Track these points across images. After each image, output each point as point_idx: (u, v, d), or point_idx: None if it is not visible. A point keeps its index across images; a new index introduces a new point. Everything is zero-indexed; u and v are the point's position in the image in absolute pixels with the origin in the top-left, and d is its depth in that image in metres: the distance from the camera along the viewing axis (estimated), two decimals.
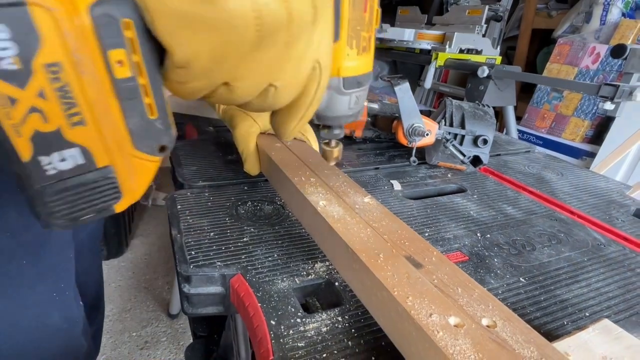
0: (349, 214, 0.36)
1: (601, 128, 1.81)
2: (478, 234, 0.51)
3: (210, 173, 0.61)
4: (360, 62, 0.27)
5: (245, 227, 0.48)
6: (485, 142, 0.63)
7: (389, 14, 2.84)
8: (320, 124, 0.32)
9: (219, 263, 0.40)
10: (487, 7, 1.75)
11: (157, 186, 2.28)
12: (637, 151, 1.46)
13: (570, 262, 0.46)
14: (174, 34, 0.19)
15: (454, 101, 0.65)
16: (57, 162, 0.18)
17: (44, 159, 0.18)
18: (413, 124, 0.60)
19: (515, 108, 1.70)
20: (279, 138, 0.28)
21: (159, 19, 0.18)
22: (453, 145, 0.64)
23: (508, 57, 2.59)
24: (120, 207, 0.22)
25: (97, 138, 0.19)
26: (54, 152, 0.18)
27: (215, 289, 0.40)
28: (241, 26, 0.19)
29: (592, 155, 1.76)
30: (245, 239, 0.45)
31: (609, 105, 1.20)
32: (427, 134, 0.59)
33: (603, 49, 1.71)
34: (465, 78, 2.69)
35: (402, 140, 0.62)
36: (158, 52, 0.20)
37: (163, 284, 1.65)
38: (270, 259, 0.42)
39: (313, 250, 0.44)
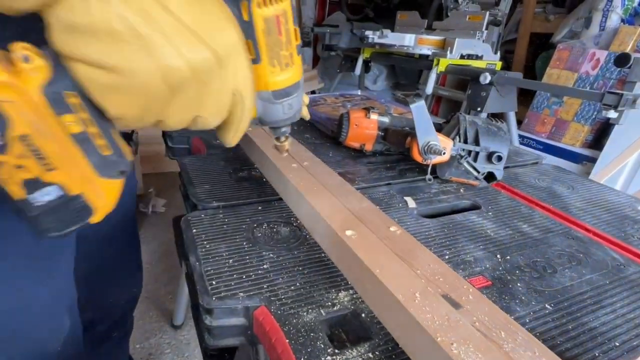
0: (377, 244, 0.35)
1: (601, 133, 1.82)
2: (498, 256, 0.51)
3: (223, 192, 0.60)
4: (285, 76, 0.31)
5: (264, 253, 0.47)
6: (499, 158, 0.62)
7: (388, 19, 2.84)
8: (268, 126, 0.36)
9: (241, 294, 0.39)
10: (487, 12, 1.75)
11: (157, 192, 2.27)
12: (637, 159, 1.47)
13: (592, 285, 0.46)
14: (105, 100, 0.24)
15: (467, 116, 0.65)
16: (42, 196, 0.25)
17: (31, 196, 0.25)
18: (429, 142, 0.59)
19: (515, 113, 1.71)
20: (226, 146, 0.33)
21: (88, 89, 0.24)
22: (467, 162, 0.63)
23: (506, 60, 2.60)
24: (94, 219, 0.29)
25: (66, 176, 0.26)
26: (38, 190, 0.25)
27: (238, 320, 0.39)
28: (152, 87, 0.23)
29: (592, 160, 1.78)
30: (265, 266, 0.44)
31: (612, 114, 1.20)
32: (444, 153, 0.58)
33: (603, 55, 1.72)
34: (463, 81, 2.71)
35: (417, 157, 0.62)
36: None
37: (165, 293, 1.63)
38: (292, 287, 0.41)
39: (335, 277, 0.43)
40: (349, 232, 0.36)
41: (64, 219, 0.27)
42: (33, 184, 0.24)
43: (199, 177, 0.64)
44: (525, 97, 2.08)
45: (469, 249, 0.52)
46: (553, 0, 2.41)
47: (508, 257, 0.50)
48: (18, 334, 0.45)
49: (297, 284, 0.42)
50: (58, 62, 0.23)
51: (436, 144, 0.59)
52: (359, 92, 1.41)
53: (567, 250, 0.53)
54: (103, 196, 0.28)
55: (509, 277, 0.46)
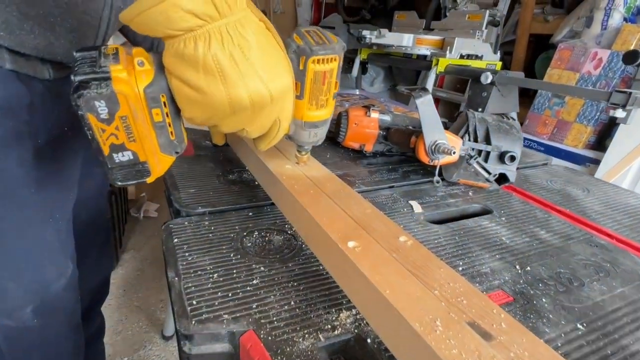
0: (385, 257, 0.30)
1: (603, 134, 1.78)
2: (517, 266, 0.45)
3: (210, 197, 0.54)
4: (318, 113, 0.39)
5: (254, 265, 0.41)
6: (512, 158, 0.57)
7: (385, 19, 2.80)
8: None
9: (226, 316, 0.33)
10: (487, 12, 1.71)
11: (149, 197, 2.20)
12: None
13: (626, 300, 0.41)
14: (184, 106, 0.33)
15: (477, 114, 0.60)
16: (120, 157, 0.34)
17: (114, 154, 0.33)
18: (436, 141, 0.54)
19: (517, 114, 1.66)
20: (258, 149, 0.41)
21: (177, 97, 0.33)
22: (477, 162, 0.58)
23: (504, 62, 2.57)
24: (150, 180, 0.37)
25: (141, 147, 0.34)
26: (119, 152, 0.33)
27: (222, 347, 0.33)
28: (220, 108, 0.32)
29: (596, 162, 1.73)
30: (255, 281, 0.39)
31: (620, 113, 1.16)
32: (454, 152, 0.53)
33: (605, 54, 1.68)
34: (460, 83, 2.67)
35: (424, 157, 0.57)
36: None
37: (156, 301, 1.56)
38: (286, 307, 0.35)
39: (335, 293, 0.38)
40: (351, 244, 0.31)
41: (129, 175, 0.35)
42: (117, 148, 0.33)
43: (184, 181, 0.59)
44: (524, 99, 2.04)
45: (484, 258, 0.46)
46: (552, 1, 2.38)
47: (528, 268, 0.45)
48: (26, 272, 0.51)
49: (292, 303, 0.36)
50: (159, 71, 0.32)
51: (445, 143, 0.54)
52: (357, 92, 1.36)
53: (591, 259, 0.48)
54: (159, 166, 0.36)
55: (532, 292, 0.41)
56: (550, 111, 1.89)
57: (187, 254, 0.42)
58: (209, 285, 0.37)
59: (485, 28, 1.78)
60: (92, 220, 0.71)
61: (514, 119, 0.61)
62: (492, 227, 0.54)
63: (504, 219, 0.57)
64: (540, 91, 1.91)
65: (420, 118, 0.54)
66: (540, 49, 2.36)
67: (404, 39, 1.87)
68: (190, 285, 0.37)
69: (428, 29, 2.00)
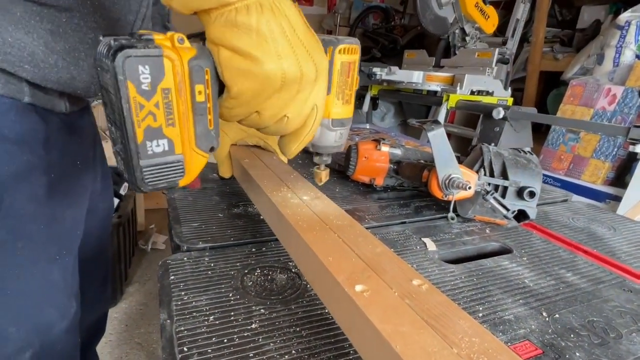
0: (397, 304, 0.26)
1: (622, 170, 1.73)
2: (544, 313, 0.41)
3: (213, 232, 0.52)
4: (343, 110, 0.39)
5: (253, 307, 0.38)
6: (532, 194, 0.54)
7: (395, 58, 2.87)
8: (314, 152, 0.43)
9: None
10: (497, 50, 1.73)
11: (158, 228, 2.19)
12: None
13: None
14: (234, 79, 0.31)
15: (492, 147, 0.58)
16: (154, 147, 0.29)
17: (148, 143, 0.29)
18: (450, 175, 0.51)
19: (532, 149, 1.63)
20: (285, 156, 0.39)
21: (226, 71, 0.31)
22: (494, 198, 0.55)
23: (515, 98, 2.57)
24: (183, 182, 0.32)
25: (178, 135, 0.30)
26: (154, 139, 0.29)
27: None
28: (272, 78, 0.31)
29: (616, 198, 1.67)
30: (253, 325, 0.35)
31: (639, 148, 1.12)
32: (469, 188, 0.50)
33: (619, 90, 1.67)
34: (472, 119, 2.67)
35: (437, 193, 0.54)
36: (219, 89, 0.32)
37: (159, 339, 1.50)
38: (286, 357, 0.32)
39: (341, 341, 0.34)
40: (359, 287, 0.28)
41: (162, 175, 0.30)
42: (153, 133, 0.29)
43: (188, 214, 0.57)
44: (537, 134, 2.02)
45: (507, 303, 0.42)
46: (560, 40, 2.41)
47: (557, 316, 0.41)
48: (29, 313, 0.49)
49: (293, 352, 0.32)
50: (201, 49, 0.30)
51: (459, 177, 0.51)
52: (368, 126, 1.36)
53: (627, 306, 0.43)
54: (193, 164, 0.32)
55: (563, 344, 0.36)
56: (565, 146, 1.86)
57: (182, 293, 0.39)
58: (203, 329, 0.34)
59: (495, 65, 1.79)
60: (94, 257, 0.69)
61: (531, 153, 0.58)
62: (513, 267, 0.50)
63: (525, 259, 0.53)
64: (554, 126, 1.89)
65: (432, 151, 0.52)
66: (551, 86, 2.36)
67: (414, 76, 1.90)
68: (183, 329, 0.34)
69: (438, 67, 2.03)
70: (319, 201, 0.45)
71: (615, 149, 1.67)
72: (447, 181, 0.51)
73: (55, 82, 0.43)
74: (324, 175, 0.45)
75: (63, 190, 0.50)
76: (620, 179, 1.74)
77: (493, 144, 1.63)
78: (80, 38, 0.43)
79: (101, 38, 0.28)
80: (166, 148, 0.30)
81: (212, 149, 0.33)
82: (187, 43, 0.29)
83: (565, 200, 0.81)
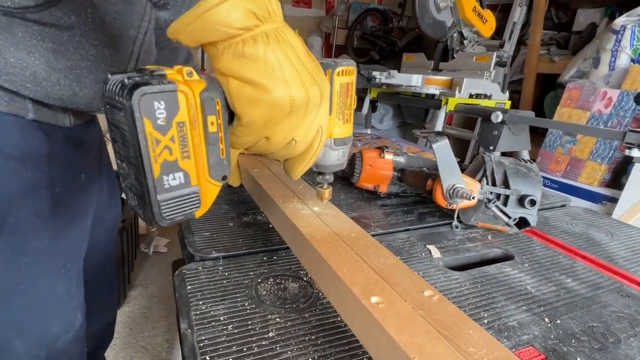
0: (411, 315, 0.28)
1: (618, 172, 1.76)
2: (546, 319, 0.43)
3: (224, 241, 0.54)
4: (344, 129, 0.40)
5: (269, 316, 0.40)
6: (533, 202, 0.56)
7: (393, 60, 2.89)
8: (317, 172, 0.44)
9: None
10: (495, 53, 1.76)
11: (159, 232, 2.20)
12: None
13: None
14: (245, 108, 0.31)
15: (493, 157, 0.60)
16: (171, 180, 0.29)
17: (165, 177, 0.29)
18: (454, 185, 0.53)
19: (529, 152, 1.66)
20: (291, 178, 0.40)
21: (237, 101, 0.31)
22: (496, 206, 0.57)
23: (513, 100, 2.60)
24: (199, 213, 0.33)
25: (194, 167, 0.31)
26: (170, 173, 0.29)
27: None
28: (282, 105, 0.31)
29: (612, 200, 1.70)
30: (270, 334, 0.37)
31: (636, 152, 1.14)
32: (472, 197, 0.52)
33: (615, 94, 1.69)
34: (469, 120, 2.69)
35: (441, 202, 0.56)
36: (229, 118, 0.33)
37: (162, 342, 1.52)
38: None
39: (355, 349, 0.36)
40: (374, 299, 0.29)
41: (179, 207, 0.30)
42: (169, 167, 0.29)
43: (198, 223, 0.58)
44: (534, 136, 2.04)
45: (510, 310, 0.44)
46: (557, 43, 2.44)
47: (558, 322, 0.42)
48: (34, 327, 0.49)
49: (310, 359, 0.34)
50: (210, 80, 0.31)
51: (463, 187, 0.53)
52: (369, 131, 1.38)
53: (625, 311, 0.45)
54: (207, 194, 0.32)
55: (565, 349, 0.38)
56: (562, 149, 1.88)
57: (200, 303, 0.41)
58: (223, 338, 0.36)
59: (493, 69, 1.82)
60: (101, 267, 0.70)
61: (531, 162, 0.60)
62: (515, 274, 0.52)
63: (527, 265, 0.55)
64: (551, 129, 1.92)
65: (437, 162, 0.54)
66: (548, 88, 2.39)
67: (413, 79, 1.91)
68: (203, 338, 0.35)
69: (436, 70, 2.05)
70: (330, 212, 0.47)
71: (612, 151, 1.70)
72: (451, 191, 0.53)
73: (57, 99, 0.43)
74: (327, 193, 0.46)
75: (67, 204, 0.50)
76: (616, 180, 1.76)
77: (491, 147, 1.64)
78: (82, 55, 0.43)
79: (109, 76, 0.29)
80: (182, 181, 0.30)
81: (224, 178, 0.33)
82: (195, 75, 0.30)
83: (564, 205, 0.83)
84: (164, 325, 1.58)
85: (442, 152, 0.53)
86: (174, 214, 0.30)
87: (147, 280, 1.85)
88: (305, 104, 0.32)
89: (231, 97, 0.31)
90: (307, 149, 0.37)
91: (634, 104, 1.57)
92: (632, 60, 1.72)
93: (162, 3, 0.44)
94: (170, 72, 0.29)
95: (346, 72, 0.37)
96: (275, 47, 0.30)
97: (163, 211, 0.29)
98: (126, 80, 0.27)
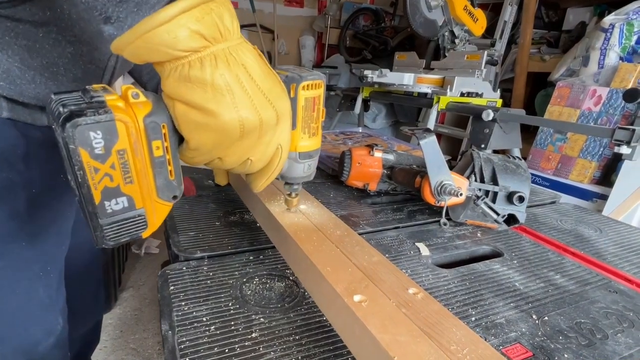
0: (394, 313, 0.28)
1: (608, 169, 1.77)
2: (533, 316, 0.42)
3: (210, 240, 0.53)
4: (310, 142, 0.39)
5: (253, 316, 0.39)
6: (521, 199, 0.56)
7: (386, 59, 2.89)
8: (284, 182, 0.43)
9: None
10: (485, 52, 1.76)
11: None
12: None
13: None
14: (191, 133, 0.31)
15: (482, 153, 0.59)
16: (113, 205, 0.29)
17: (107, 203, 0.28)
18: (442, 182, 0.53)
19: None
20: (253, 190, 0.39)
21: (183, 125, 0.30)
22: (485, 203, 0.56)
23: (504, 98, 2.61)
24: (146, 234, 0.32)
25: (138, 191, 0.30)
26: (112, 199, 0.29)
27: None
28: (230, 130, 0.30)
29: (603, 197, 1.71)
30: (254, 334, 0.36)
31: (625, 149, 1.15)
32: (460, 194, 0.52)
33: (604, 92, 1.71)
34: (461, 119, 2.70)
35: (429, 199, 0.55)
36: (178, 139, 0.32)
37: (154, 344, 1.49)
38: None
39: (340, 348, 0.35)
40: (357, 297, 0.29)
41: (124, 230, 0.30)
42: (111, 192, 0.28)
43: (184, 223, 0.57)
44: (525, 134, 2.05)
45: (498, 307, 0.44)
46: (547, 42, 2.46)
47: (546, 318, 0.42)
48: (13, 332, 0.48)
49: None
50: (156, 102, 0.30)
51: (451, 184, 0.53)
52: (360, 130, 1.37)
53: (613, 307, 0.45)
54: (155, 215, 0.32)
55: (552, 345, 0.38)
56: (553, 147, 1.89)
57: (183, 303, 0.40)
58: (204, 340, 0.35)
59: (484, 67, 1.82)
60: (85, 268, 0.69)
61: (520, 159, 0.60)
62: (504, 271, 0.52)
63: (515, 262, 0.54)
64: (542, 127, 1.93)
65: (425, 159, 0.53)
66: (539, 86, 2.40)
67: (405, 78, 1.91)
68: (185, 339, 0.35)
69: (428, 69, 2.05)
70: (316, 210, 0.46)
71: (602, 149, 1.71)
72: (439, 188, 0.53)
73: (33, 98, 0.42)
74: (295, 201, 0.45)
75: (46, 205, 0.48)
76: (606, 177, 1.78)
77: (483, 145, 1.65)
78: (59, 53, 0.42)
79: (52, 96, 0.28)
80: (125, 205, 0.29)
81: (174, 197, 0.33)
82: (142, 97, 0.29)
83: (554, 202, 0.84)
84: (155, 327, 1.56)
85: (430, 149, 0.52)
86: (117, 236, 0.30)
87: (138, 282, 1.83)
88: (257, 127, 0.31)
89: (177, 120, 0.30)
90: (266, 165, 0.36)
91: (623, 101, 1.59)
92: (621, 58, 1.73)
93: (105, 17, 0.41)
94: (111, 98, 0.27)
95: (312, 86, 0.37)
96: (224, 70, 0.29)
97: (107, 234, 0.29)
98: (61, 109, 0.26)
